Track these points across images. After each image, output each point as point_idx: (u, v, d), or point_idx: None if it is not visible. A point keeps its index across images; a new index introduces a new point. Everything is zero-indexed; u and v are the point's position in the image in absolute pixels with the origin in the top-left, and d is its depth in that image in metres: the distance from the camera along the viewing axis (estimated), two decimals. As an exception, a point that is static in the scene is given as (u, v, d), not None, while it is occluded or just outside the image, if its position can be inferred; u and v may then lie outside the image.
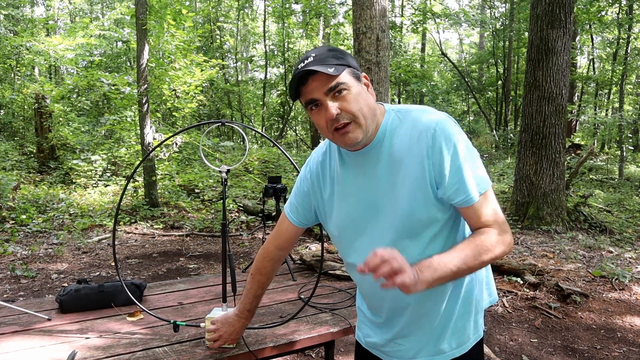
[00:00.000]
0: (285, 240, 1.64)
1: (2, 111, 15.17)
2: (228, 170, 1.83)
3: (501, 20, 19.55)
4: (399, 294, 1.33)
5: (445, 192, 1.27)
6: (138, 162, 1.84)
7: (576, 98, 18.49)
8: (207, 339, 1.72)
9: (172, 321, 1.87)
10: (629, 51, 16.15)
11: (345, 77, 1.25)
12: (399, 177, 1.30)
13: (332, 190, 1.45)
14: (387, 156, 1.32)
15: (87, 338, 1.83)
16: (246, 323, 1.73)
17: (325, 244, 2.96)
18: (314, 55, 1.26)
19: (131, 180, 9.90)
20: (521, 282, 4.78)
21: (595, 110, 20.53)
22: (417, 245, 1.32)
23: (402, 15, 21.89)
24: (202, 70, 12.20)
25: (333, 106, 1.24)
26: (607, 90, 20.04)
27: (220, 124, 1.86)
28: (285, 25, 19.39)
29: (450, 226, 1.34)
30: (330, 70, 1.21)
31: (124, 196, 9.38)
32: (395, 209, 1.31)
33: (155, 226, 7.81)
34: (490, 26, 19.52)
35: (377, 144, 1.33)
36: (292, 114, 20.56)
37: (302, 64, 1.26)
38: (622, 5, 15.54)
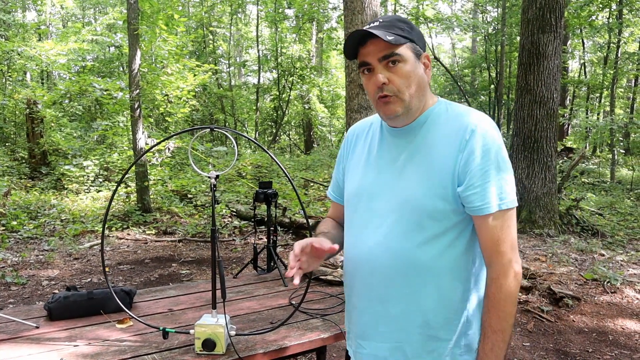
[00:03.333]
0: (334, 216, 1.64)
1: (-7, 117, 15.08)
2: (217, 176, 1.82)
3: (493, 24, 19.66)
4: (367, 283, 1.34)
5: (464, 191, 1.23)
6: (128, 168, 1.81)
7: (568, 102, 18.62)
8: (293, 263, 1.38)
9: (161, 328, 1.86)
10: (619, 55, 16.28)
11: (404, 50, 1.25)
12: (425, 162, 1.28)
13: (360, 156, 1.45)
14: (421, 140, 1.31)
15: (75, 346, 1.82)
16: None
17: (317, 249, 2.95)
18: (381, 20, 1.27)
19: (124, 185, 9.86)
20: (514, 285, 4.78)
21: (586, 113, 20.66)
22: (417, 235, 1.26)
23: (394, 20, 21.93)
24: (194, 75, 12.18)
25: (382, 75, 1.25)
26: (598, 94, 20.19)
27: (209, 129, 1.85)
28: (278, 30, 19.42)
29: (457, 234, 1.27)
30: (390, 38, 1.20)
31: (117, 202, 9.33)
32: (408, 191, 1.28)
33: (147, 232, 7.78)
34: (483, 31, 19.62)
35: (416, 126, 1.33)
36: (285, 118, 20.56)
37: (368, 26, 1.27)
38: (612, 10, 15.68)
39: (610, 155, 15.12)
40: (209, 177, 1.81)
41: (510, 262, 1.24)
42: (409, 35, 1.26)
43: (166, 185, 10.42)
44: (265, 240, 2.82)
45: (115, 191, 1.96)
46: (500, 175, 1.22)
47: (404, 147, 1.33)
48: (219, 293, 1.84)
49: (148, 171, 9.16)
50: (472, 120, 1.26)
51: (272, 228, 2.82)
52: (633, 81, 20.44)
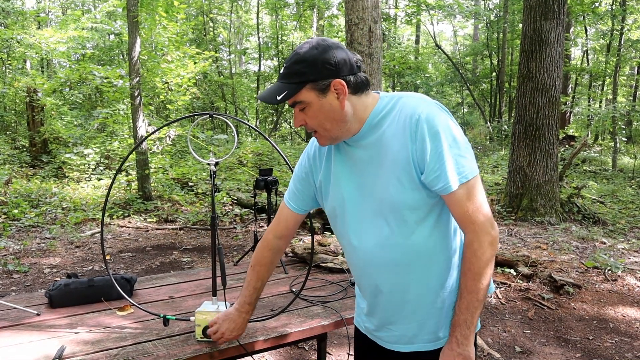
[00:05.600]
0: (284, 227, 1.66)
1: (-7, 105, 15.04)
2: (217, 163, 1.81)
3: (495, 11, 19.51)
4: (378, 281, 1.45)
5: (426, 177, 1.29)
6: (127, 155, 1.81)
7: (570, 89, 18.52)
8: (213, 339, 1.69)
9: (162, 315, 1.86)
10: (622, 43, 16.16)
11: (304, 95, 1.30)
12: (386, 160, 1.34)
13: (328, 172, 1.50)
14: (376, 141, 1.36)
15: (76, 333, 1.82)
16: (247, 317, 1.70)
17: (317, 237, 2.95)
18: (285, 66, 1.32)
19: (125, 173, 9.85)
20: (514, 273, 4.79)
21: (589, 101, 20.56)
22: (404, 228, 1.35)
23: (396, 7, 21.81)
24: (195, 63, 12.12)
25: (297, 119, 1.36)
26: (600, 82, 20.08)
27: (209, 116, 1.83)
28: (279, 17, 19.28)
29: (437, 213, 1.36)
30: (278, 98, 1.28)
31: (117, 190, 9.33)
32: (381, 191, 1.35)
33: (148, 220, 7.79)
34: (484, 18, 19.48)
35: (366, 131, 1.38)
36: (286, 106, 20.47)
37: (280, 73, 1.34)
38: (616, -4, 15.53)
39: (612, 143, 15.06)
40: (208, 164, 1.80)
41: (483, 227, 1.30)
42: (306, 77, 1.28)
43: (167, 173, 10.42)
44: (266, 227, 2.82)
45: (114, 178, 1.95)
46: (454, 151, 1.28)
47: (361, 152, 1.40)
48: (219, 280, 1.83)
49: (149, 159, 9.15)
50: (415, 109, 1.30)
51: (272, 215, 2.82)
52: (636, 69, 20.32)
